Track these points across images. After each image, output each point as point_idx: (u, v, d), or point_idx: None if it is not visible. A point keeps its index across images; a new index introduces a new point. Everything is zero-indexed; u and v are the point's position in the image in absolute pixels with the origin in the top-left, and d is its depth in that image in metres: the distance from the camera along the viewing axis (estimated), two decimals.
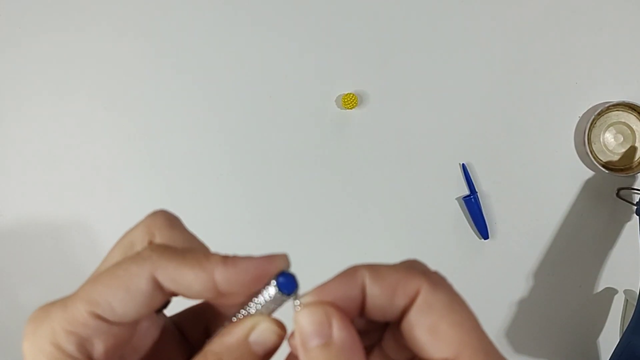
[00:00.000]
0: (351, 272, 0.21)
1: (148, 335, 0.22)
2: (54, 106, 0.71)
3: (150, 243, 0.22)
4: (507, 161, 0.69)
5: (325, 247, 0.70)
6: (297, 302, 0.20)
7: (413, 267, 0.21)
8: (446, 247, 0.69)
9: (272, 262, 0.20)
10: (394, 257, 0.75)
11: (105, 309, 0.19)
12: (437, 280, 0.21)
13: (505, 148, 0.69)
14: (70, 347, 0.19)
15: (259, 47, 0.70)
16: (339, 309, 0.20)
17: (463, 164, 0.69)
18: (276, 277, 0.20)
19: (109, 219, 0.70)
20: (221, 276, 0.20)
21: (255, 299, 0.21)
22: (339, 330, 0.19)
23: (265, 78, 0.70)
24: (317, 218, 0.70)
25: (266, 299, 0.20)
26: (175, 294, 0.21)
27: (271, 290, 0.20)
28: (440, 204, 0.69)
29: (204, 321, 0.24)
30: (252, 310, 0.21)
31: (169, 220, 0.22)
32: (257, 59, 0.70)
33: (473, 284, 0.69)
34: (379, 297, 0.20)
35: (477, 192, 0.68)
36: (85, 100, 0.71)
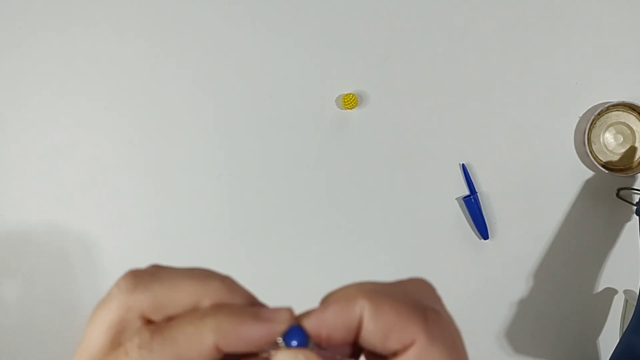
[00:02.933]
0: (351, 299, 0.20)
1: None
2: (54, 106, 0.71)
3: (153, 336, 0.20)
4: (507, 161, 0.69)
5: (324, 247, 0.70)
6: (280, 340, 0.20)
7: (415, 306, 0.20)
8: (446, 247, 0.69)
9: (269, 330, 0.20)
10: (394, 256, 0.75)
11: None
12: (435, 333, 0.19)
13: (505, 148, 0.69)
14: None
15: (259, 47, 0.70)
16: (321, 355, 0.19)
17: (463, 164, 0.69)
18: (284, 338, 0.20)
19: (109, 219, 0.70)
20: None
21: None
22: None
23: (265, 78, 0.70)
24: (317, 218, 0.70)
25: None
26: None
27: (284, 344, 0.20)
28: (440, 204, 0.69)
29: None
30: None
31: (144, 286, 0.20)
32: (257, 59, 0.70)
33: (473, 284, 0.69)
34: (372, 335, 0.20)
35: (477, 192, 0.68)
36: (85, 101, 0.71)
